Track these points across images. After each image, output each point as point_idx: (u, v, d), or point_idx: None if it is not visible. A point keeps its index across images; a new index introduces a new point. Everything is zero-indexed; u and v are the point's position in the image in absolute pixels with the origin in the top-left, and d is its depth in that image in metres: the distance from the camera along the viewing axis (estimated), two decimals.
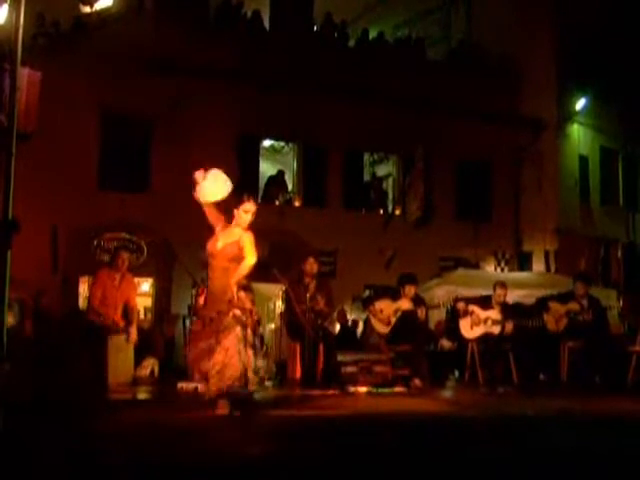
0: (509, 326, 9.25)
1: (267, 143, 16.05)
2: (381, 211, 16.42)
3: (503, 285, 9.66)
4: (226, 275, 5.80)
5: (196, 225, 6.21)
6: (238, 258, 5.75)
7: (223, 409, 5.60)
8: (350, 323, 12.94)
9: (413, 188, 15.31)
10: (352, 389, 8.36)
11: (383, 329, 9.26)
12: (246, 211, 5.88)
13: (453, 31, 18.63)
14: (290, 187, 15.81)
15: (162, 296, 13.39)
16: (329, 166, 15.61)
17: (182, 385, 8.11)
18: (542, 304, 9.64)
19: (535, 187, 16.49)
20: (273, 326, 12.47)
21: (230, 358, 5.59)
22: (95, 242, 13.39)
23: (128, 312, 8.71)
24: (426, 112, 15.63)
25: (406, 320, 9.23)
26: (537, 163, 16.53)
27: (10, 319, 9.60)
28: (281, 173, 15.78)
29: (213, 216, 5.94)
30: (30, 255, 10.22)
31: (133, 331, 8.57)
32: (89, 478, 3.45)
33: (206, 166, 5.80)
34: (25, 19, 4.73)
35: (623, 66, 16.47)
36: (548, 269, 15.75)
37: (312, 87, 14.80)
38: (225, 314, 5.68)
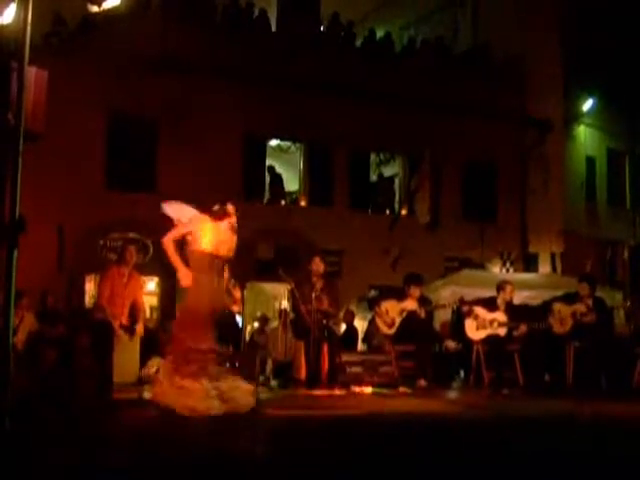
0: (522, 328, 9.21)
1: (273, 143, 16.06)
2: (387, 211, 16.42)
3: (509, 282, 9.64)
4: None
5: None
6: None
7: None
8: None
9: (422, 191, 15.27)
10: (357, 389, 8.37)
11: (387, 330, 9.26)
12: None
13: (460, 32, 18.61)
14: (297, 186, 15.86)
15: (168, 295, 13.40)
16: (335, 166, 15.61)
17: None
18: (547, 305, 9.60)
19: (541, 188, 16.47)
20: (275, 324, 12.48)
21: None
22: (101, 241, 13.42)
23: (135, 311, 8.69)
24: (432, 113, 15.64)
25: (411, 321, 9.23)
26: (543, 164, 16.51)
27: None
28: (271, 168, 15.72)
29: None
30: (36, 254, 10.26)
31: (140, 328, 8.55)
32: (93, 478, 3.46)
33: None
34: (36, 18, 4.73)
35: (630, 67, 16.43)
36: (554, 270, 15.72)
37: (319, 87, 14.80)
38: None
